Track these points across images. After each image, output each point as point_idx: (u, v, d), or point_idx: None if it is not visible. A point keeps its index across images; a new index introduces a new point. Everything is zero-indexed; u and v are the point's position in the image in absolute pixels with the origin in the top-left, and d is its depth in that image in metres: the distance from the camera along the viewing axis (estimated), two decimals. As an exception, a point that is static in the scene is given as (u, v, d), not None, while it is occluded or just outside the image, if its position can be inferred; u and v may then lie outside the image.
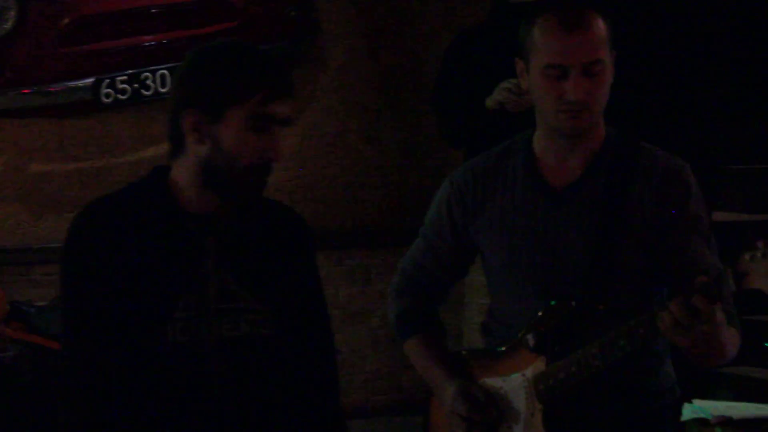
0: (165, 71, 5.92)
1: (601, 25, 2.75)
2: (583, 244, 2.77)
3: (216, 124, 2.41)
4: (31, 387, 5.08)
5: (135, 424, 2.46)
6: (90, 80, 5.97)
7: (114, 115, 6.13)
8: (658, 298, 2.74)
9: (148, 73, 6.00)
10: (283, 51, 6.22)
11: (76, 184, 6.14)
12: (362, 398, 6.48)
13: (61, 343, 2.51)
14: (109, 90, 5.99)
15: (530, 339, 2.80)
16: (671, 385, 2.91)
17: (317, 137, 6.41)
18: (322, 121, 6.41)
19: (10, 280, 5.91)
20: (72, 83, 5.97)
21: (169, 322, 2.42)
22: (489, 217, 2.90)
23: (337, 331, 6.74)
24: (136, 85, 5.98)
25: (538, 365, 2.80)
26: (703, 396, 4.09)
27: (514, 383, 2.84)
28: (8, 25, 5.90)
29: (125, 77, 5.97)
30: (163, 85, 6.00)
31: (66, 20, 5.93)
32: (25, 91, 5.96)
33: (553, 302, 2.77)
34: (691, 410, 3.88)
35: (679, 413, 2.94)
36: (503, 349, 2.88)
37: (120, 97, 6.01)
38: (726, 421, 3.80)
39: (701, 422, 3.83)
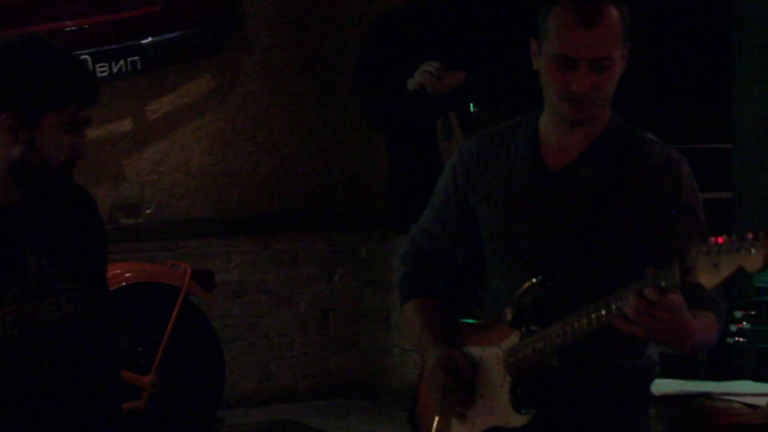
0: (87, 56, 5.86)
1: (616, 20, 2.79)
2: (571, 225, 2.84)
3: (32, 128, 2.56)
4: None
5: None
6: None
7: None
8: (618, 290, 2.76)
9: (69, 59, 5.94)
10: (206, 35, 6.19)
11: None
12: (291, 382, 6.49)
13: None
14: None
15: (508, 313, 2.86)
16: (652, 365, 2.97)
17: (241, 121, 6.38)
18: (246, 105, 6.39)
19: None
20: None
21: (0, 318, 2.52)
22: (487, 188, 2.97)
23: (264, 316, 6.78)
24: (57, 71, 5.92)
25: (512, 339, 2.86)
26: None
27: (490, 354, 2.91)
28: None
29: (46, 63, 5.91)
30: (84, 71, 5.94)
31: (-15, 5, 5.86)
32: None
33: (535, 279, 2.83)
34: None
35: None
36: (488, 321, 2.96)
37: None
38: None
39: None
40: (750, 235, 2.38)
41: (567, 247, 2.83)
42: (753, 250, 2.36)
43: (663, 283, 2.52)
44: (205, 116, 6.33)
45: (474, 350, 2.95)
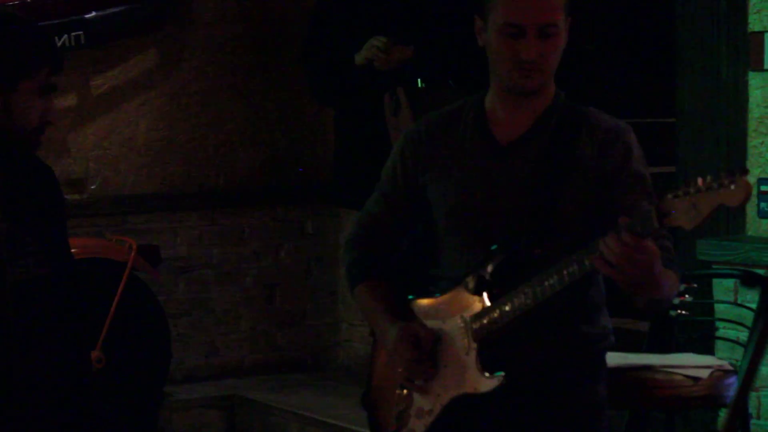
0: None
1: None
2: (524, 195, 2.89)
3: (9, 93, 2.77)
4: None
5: None
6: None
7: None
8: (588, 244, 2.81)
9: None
10: (150, 9, 6.15)
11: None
12: (237, 357, 6.48)
13: None
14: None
15: (470, 281, 2.91)
16: (607, 332, 3.02)
17: (186, 96, 6.35)
18: (191, 80, 6.35)
19: None
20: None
21: None
22: (438, 168, 3.00)
23: (210, 291, 6.76)
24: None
25: (476, 306, 2.90)
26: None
27: (453, 324, 2.94)
28: None
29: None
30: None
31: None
32: None
33: (494, 247, 2.87)
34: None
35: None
36: (446, 293, 2.98)
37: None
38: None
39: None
40: (725, 174, 2.47)
41: (524, 217, 2.88)
42: (733, 186, 2.46)
43: (639, 228, 2.59)
44: (150, 91, 6.29)
45: (433, 323, 2.98)
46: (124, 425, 5.65)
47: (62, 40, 5.88)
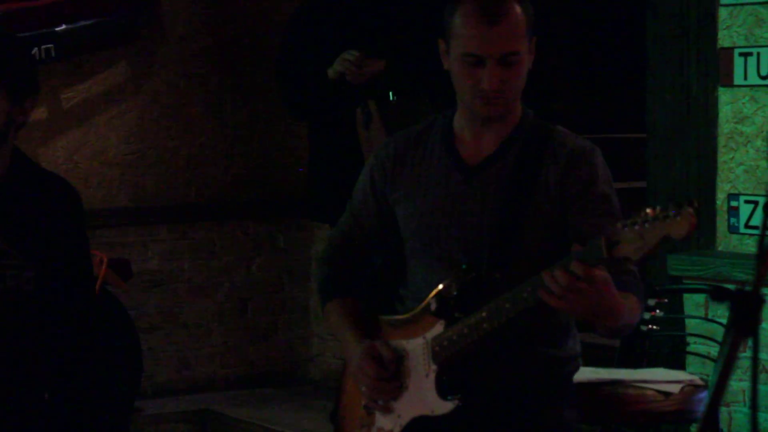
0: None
1: (520, 15, 2.86)
2: (488, 217, 2.89)
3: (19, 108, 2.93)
4: None
5: None
6: None
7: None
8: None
9: None
10: (121, 22, 6.13)
11: None
12: (209, 372, 6.46)
13: None
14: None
15: (433, 303, 2.91)
16: (575, 355, 3.01)
17: (158, 110, 6.34)
18: (162, 93, 6.34)
19: None
20: None
21: None
22: (406, 187, 3.01)
23: (182, 305, 6.72)
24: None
25: (438, 328, 2.90)
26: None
27: (416, 345, 2.94)
28: None
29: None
30: None
31: None
32: None
33: (463, 266, 2.87)
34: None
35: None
36: (411, 314, 2.98)
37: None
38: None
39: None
40: (673, 205, 2.45)
41: (487, 238, 2.87)
42: (678, 218, 2.45)
43: (588, 258, 2.57)
44: (121, 104, 6.27)
45: (398, 343, 2.98)
46: (95, 440, 5.62)
47: (32, 52, 5.85)
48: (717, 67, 4.76)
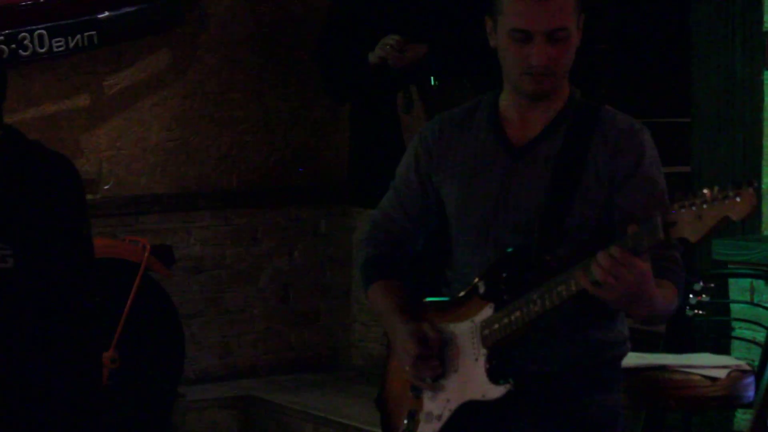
0: (43, 31, 5.81)
1: None
2: (535, 197, 2.86)
3: None
4: None
5: None
6: (-35, 41, 5.84)
7: (-9, 77, 6.01)
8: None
9: (25, 33, 5.89)
10: (163, 9, 6.14)
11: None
12: (252, 358, 6.48)
13: None
14: (-15, 51, 5.87)
15: (481, 286, 2.87)
16: (623, 339, 2.97)
17: (200, 96, 6.35)
18: (204, 80, 6.35)
19: None
20: (-54, 44, 5.84)
21: None
22: (451, 167, 2.97)
23: (224, 291, 6.74)
24: (13, 46, 5.86)
25: (487, 311, 2.87)
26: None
27: (464, 329, 2.91)
28: None
29: (2, 38, 5.85)
30: (41, 45, 5.89)
31: (-62, -20, 5.79)
32: None
33: (509, 249, 2.84)
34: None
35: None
36: (458, 296, 2.95)
37: (-3, 58, 5.90)
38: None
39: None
40: (732, 186, 2.44)
41: (536, 220, 2.84)
42: (738, 198, 2.42)
43: (644, 240, 2.54)
44: (163, 91, 6.29)
45: (445, 326, 2.95)
46: (138, 426, 5.65)
47: (75, 40, 5.88)
48: (763, 50, 4.72)
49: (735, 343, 4.65)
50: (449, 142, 2.99)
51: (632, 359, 3.96)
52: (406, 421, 3.02)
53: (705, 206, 2.46)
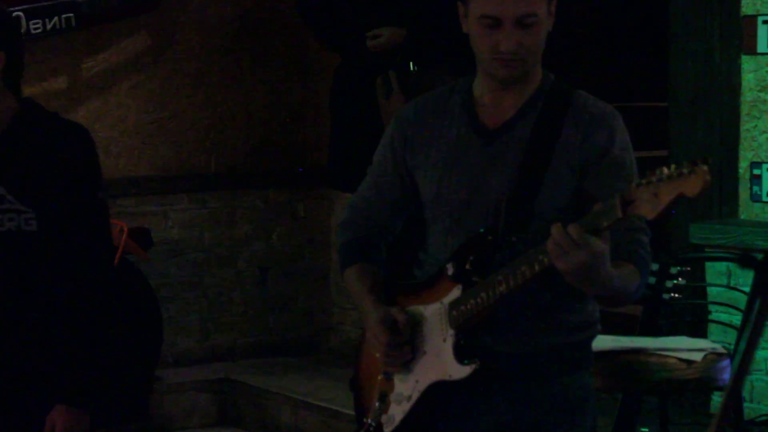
0: (20, 13, 5.77)
1: None
2: (506, 181, 2.88)
3: None
4: None
5: None
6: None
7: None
8: None
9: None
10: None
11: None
12: (229, 340, 6.48)
13: None
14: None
15: (449, 268, 2.90)
16: (593, 321, 2.99)
17: (178, 79, 6.33)
18: (182, 62, 6.33)
19: None
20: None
21: None
22: (426, 152, 2.99)
23: (202, 274, 6.72)
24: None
25: (455, 293, 2.89)
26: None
27: (433, 310, 2.93)
28: None
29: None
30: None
31: None
32: None
33: (481, 230, 2.87)
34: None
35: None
36: (428, 279, 2.98)
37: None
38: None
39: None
40: (687, 163, 2.46)
41: (505, 202, 2.87)
42: (692, 176, 2.45)
43: (603, 220, 2.58)
44: (140, 74, 6.27)
45: (416, 309, 2.98)
46: (116, 409, 5.64)
47: (53, 22, 5.85)
48: (740, 35, 4.74)
49: (712, 327, 4.67)
50: (424, 127, 3.01)
51: (608, 342, 3.97)
52: (377, 403, 3.04)
53: (661, 184, 2.48)
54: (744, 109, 4.72)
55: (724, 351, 3.97)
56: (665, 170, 2.49)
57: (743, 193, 4.71)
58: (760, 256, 4.27)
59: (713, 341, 4.24)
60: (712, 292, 4.63)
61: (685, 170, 2.46)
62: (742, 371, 2.00)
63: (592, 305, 2.97)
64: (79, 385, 3.14)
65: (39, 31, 5.83)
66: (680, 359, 3.90)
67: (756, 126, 4.70)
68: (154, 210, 6.29)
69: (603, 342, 4.00)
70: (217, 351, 6.44)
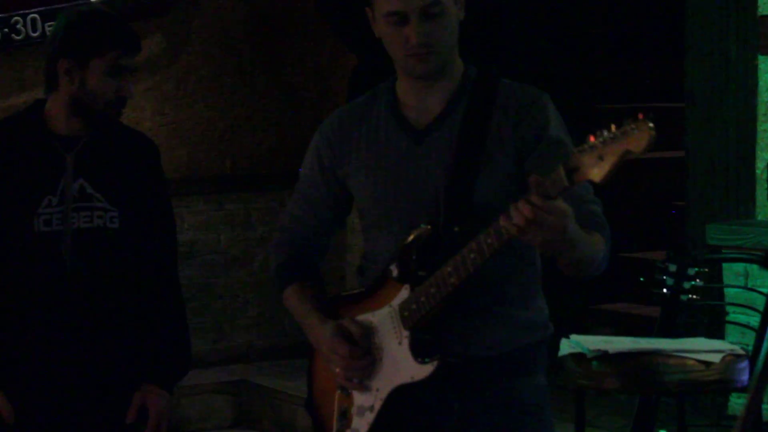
0: (36, 15, 5.79)
1: None
2: (442, 176, 2.85)
3: (83, 70, 3.24)
4: None
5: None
6: (-42, 25, 5.82)
7: (-16, 61, 6.01)
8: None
9: (18, 17, 5.88)
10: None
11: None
12: (245, 342, 6.48)
13: None
14: (-23, 35, 5.85)
15: (394, 269, 2.86)
16: (544, 320, 2.96)
17: (193, 81, 6.34)
18: (197, 64, 6.34)
19: None
20: (-61, 29, 5.82)
21: (34, 216, 3.23)
22: (356, 159, 2.96)
23: (217, 276, 6.72)
24: (6, 30, 5.85)
25: (403, 293, 2.85)
26: (583, 332, 4.17)
27: (383, 315, 2.89)
28: None
29: (-6, 22, 5.84)
30: (34, 30, 5.87)
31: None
32: None
33: (421, 225, 2.84)
34: (569, 345, 3.93)
35: (555, 349, 2.98)
36: (371, 285, 2.94)
37: (-11, 42, 5.89)
38: (602, 355, 3.87)
39: (578, 357, 3.88)
40: (630, 120, 2.43)
41: (442, 196, 2.84)
42: (636, 131, 2.41)
43: (549, 187, 2.54)
44: (156, 76, 6.28)
45: (364, 318, 2.93)
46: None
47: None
48: (757, 35, 4.72)
49: (729, 328, 4.66)
50: (350, 135, 2.97)
51: (626, 344, 3.96)
52: (338, 420, 2.99)
53: (604, 146, 2.45)
54: (761, 110, 4.70)
55: (742, 352, 3.96)
56: (606, 132, 2.45)
57: (760, 194, 4.70)
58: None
59: (731, 342, 4.23)
60: (730, 293, 4.61)
61: (628, 127, 2.42)
62: (765, 372, 1.98)
63: (542, 300, 2.93)
64: (167, 367, 3.46)
65: (54, 33, 5.84)
66: (698, 360, 3.88)
67: (773, 126, 4.68)
68: (170, 212, 6.29)
69: (621, 343, 3.99)
70: (233, 353, 6.45)
